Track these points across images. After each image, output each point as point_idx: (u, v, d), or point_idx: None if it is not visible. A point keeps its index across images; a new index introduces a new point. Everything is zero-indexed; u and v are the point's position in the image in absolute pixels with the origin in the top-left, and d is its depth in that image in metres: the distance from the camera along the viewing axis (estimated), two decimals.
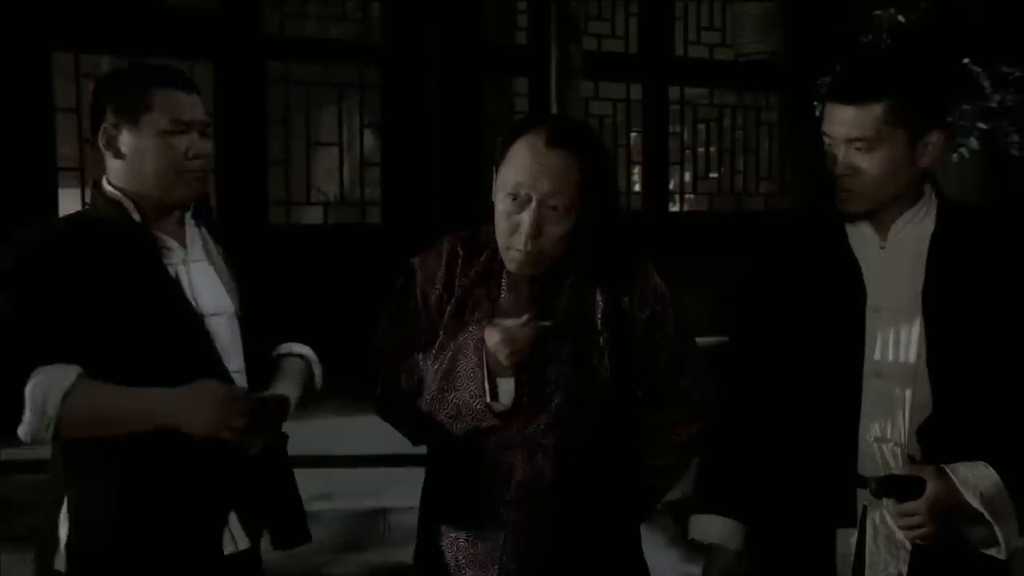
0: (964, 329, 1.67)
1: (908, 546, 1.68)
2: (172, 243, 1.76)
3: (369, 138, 7.17)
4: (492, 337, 1.66)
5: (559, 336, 1.72)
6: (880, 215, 1.74)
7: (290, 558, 1.88)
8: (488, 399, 1.67)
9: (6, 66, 5.76)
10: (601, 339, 1.75)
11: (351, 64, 6.93)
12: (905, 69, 1.72)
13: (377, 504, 4.11)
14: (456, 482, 1.78)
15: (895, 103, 1.65)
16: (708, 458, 1.88)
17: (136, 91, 1.71)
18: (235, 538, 1.74)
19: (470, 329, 1.71)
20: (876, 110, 1.65)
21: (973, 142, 5.44)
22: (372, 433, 2.59)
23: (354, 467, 4.45)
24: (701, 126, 8.28)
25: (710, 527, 1.85)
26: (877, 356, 1.71)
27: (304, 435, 2.16)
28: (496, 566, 1.73)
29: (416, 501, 1.89)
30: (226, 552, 1.73)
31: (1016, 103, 5.46)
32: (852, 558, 1.73)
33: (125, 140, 1.71)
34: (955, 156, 5.36)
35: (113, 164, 1.74)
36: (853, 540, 1.73)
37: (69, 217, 1.80)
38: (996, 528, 1.62)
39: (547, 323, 1.68)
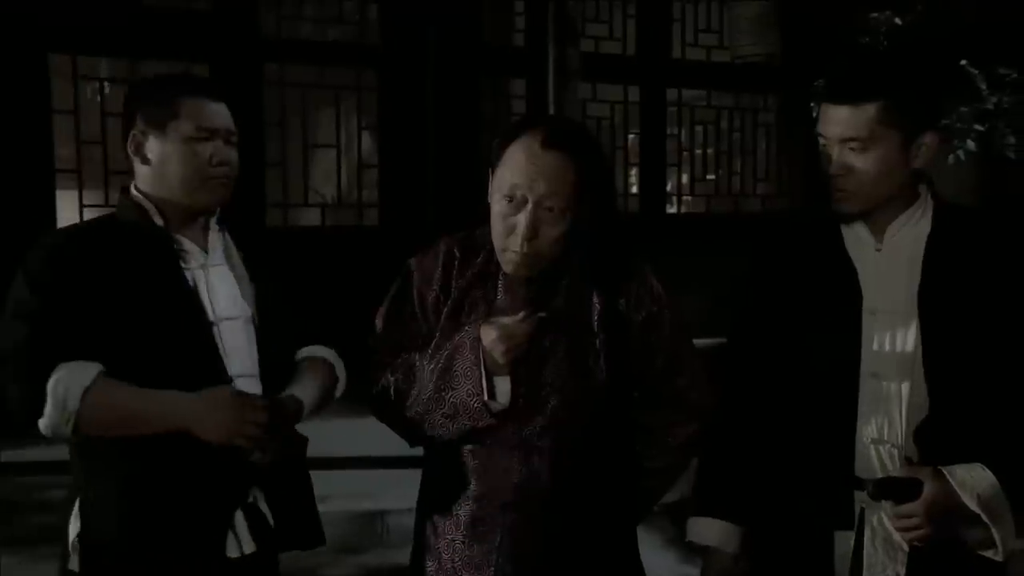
0: (960, 331, 1.67)
1: (906, 548, 1.68)
2: (192, 247, 1.79)
3: (366, 140, 7.18)
4: (488, 334, 1.66)
5: (555, 331, 1.72)
6: (875, 216, 1.74)
7: (287, 559, 1.88)
8: (485, 397, 1.67)
9: (3, 68, 5.76)
10: (597, 341, 1.74)
11: (348, 66, 6.94)
12: (899, 70, 1.72)
13: (374, 506, 4.11)
14: (452, 484, 1.78)
15: (889, 103, 1.65)
16: (706, 460, 1.88)
17: (164, 99, 1.76)
18: (240, 541, 1.74)
19: (466, 328, 1.71)
20: (870, 110, 1.65)
21: (970, 144, 5.45)
22: (369, 435, 2.58)
23: (351, 469, 4.45)
24: (698, 128, 8.30)
25: (707, 529, 1.85)
26: (873, 358, 1.71)
27: None
28: (492, 568, 1.73)
29: (413, 503, 1.89)
30: (231, 555, 1.73)
31: (1013, 105, 5.47)
32: (850, 560, 1.73)
33: (152, 146, 1.76)
34: (952, 158, 5.37)
35: (141, 170, 1.79)
36: (851, 542, 1.73)
37: (95, 220, 1.86)
38: (993, 530, 1.62)
39: (543, 314, 1.68)
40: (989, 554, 1.64)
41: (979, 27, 5.47)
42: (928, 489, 1.60)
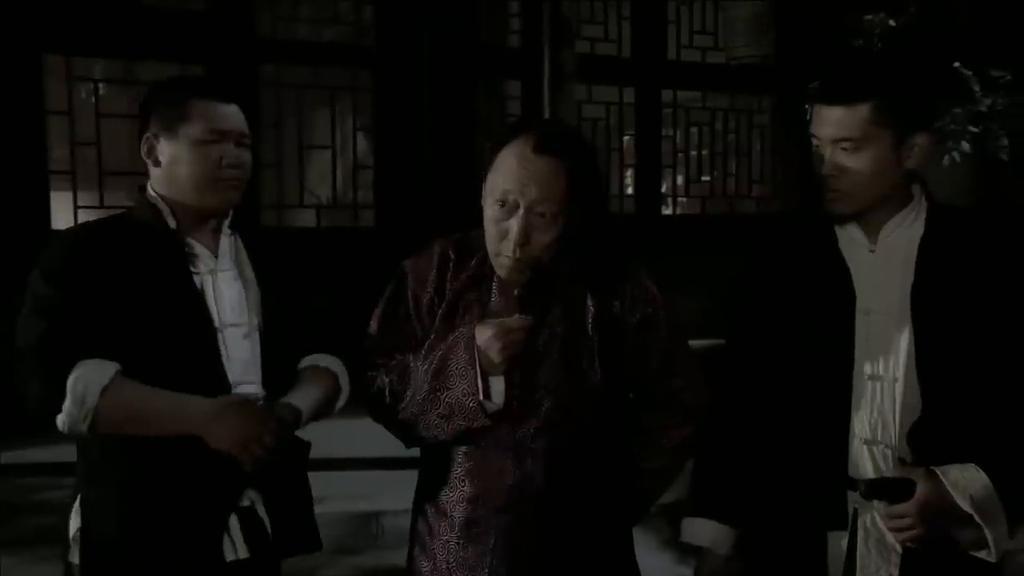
0: (953, 332, 1.67)
1: (899, 549, 1.68)
2: (203, 251, 1.80)
3: (362, 141, 7.18)
4: (483, 334, 1.66)
5: (550, 333, 1.73)
6: (868, 217, 1.75)
7: (283, 561, 1.88)
8: (480, 397, 1.67)
9: None
10: (591, 343, 1.75)
11: (344, 67, 6.94)
12: (891, 70, 1.73)
13: (370, 507, 4.11)
14: (447, 485, 1.78)
15: (881, 103, 1.66)
16: (701, 461, 1.89)
17: (175, 102, 1.77)
18: (236, 545, 1.75)
19: (460, 329, 1.72)
20: (862, 110, 1.66)
21: (964, 146, 5.46)
22: (365, 436, 2.59)
23: (348, 470, 4.45)
24: (693, 129, 8.31)
25: (701, 530, 1.85)
26: (867, 359, 1.71)
27: None
28: (486, 569, 1.73)
29: (409, 504, 1.89)
30: (227, 559, 1.74)
31: (1006, 107, 5.49)
32: (843, 561, 1.73)
33: (163, 149, 1.77)
34: (946, 160, 5.39)
35: (154, 172, 1.81)
36: (844, 543, 1.73)
37: (108, 218, 1.87)
38: (986, 531, 1.62)
39: (530, 317, 1.68)
40: (982, 555, 1.65)
41: (973, 29, 5.49)
42: (921, 489, 1.61)
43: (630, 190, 8.32)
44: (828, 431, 1.73)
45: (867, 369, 1.71)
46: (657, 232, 7.70)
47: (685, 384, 1.82)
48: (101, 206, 5.83)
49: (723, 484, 1.85)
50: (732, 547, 1.85)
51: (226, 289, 1.80)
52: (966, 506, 1.61)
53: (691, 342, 1.87)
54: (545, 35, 4.97)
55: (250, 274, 1.85)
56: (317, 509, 1.88)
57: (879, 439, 1.70)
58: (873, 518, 1.70)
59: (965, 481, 1.62)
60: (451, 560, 1.76)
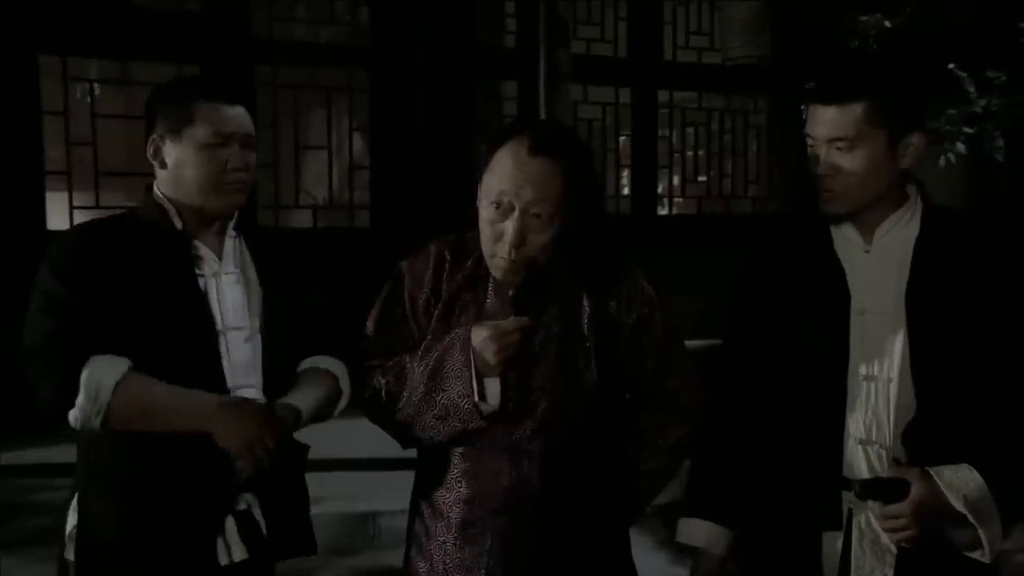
0: (948, 332, 1.68)
1: (894, 549, 1.69)
2: (208, 253, 1.80)
3: (358, 142, 7.17)
4: (479, 335, 1.66)
5: (545, 334, 1.73)
6: (864, 217, 1.75)
7: (280, 561, 1.88)
8: (476, 398, 1.67)
9: None
10: (587, 343, 1.75)
11: (340, 67, 6.92)
12: (885, 70, 1.74)
13: (367, 507, 4.11)
14: (443, 486, 1.78)
15: (875, 103, 1.67)
16: (697, 461, 1.89)
17: (180, 104, 1.77)
18: (230, 548, 1.74)
19: (456, 330, 1.72)
20: (856, 110, 1.67)
21: (959, 147, 5.47)
22: (362, 436, 2.59)
23: (344, 470, 4.44)
24: (690, 130, 8.30)
25: (696, 531, 1.86)
26: (862, 359, 1.72)
27: None
28: (483, 570, 1.73)
29: (406, 504, 1.89)
30: (222, 562, 1.74)
31: (1001, 108, 5.49)
32: (838, 561, 1.74)
33: (169, 151, 1.78)
34: (941, 160, 5.40)
35: (160, 174, 1.81)
36: (839, 543, 1.74)
37: (115, 216, 1.86)
38: (980, 531, 1.63)
39: (526, 318, 1.68)
40: (976, 555, 1.65)
41: (968, 30, 5.50)
42: (915, 490, 1.61)
43: (626, 190, 8.32)
44: (823, 431, 1.73)
45: (862, 369, 1.72)
46: (653, 232, 7.70)
47: (681, 384, 1.83)
48: (97, 206, 5.81)
49: (719, 485, 1.86)
50: (727, 547, 1.85)
51: (229, 292, 1.80)
52: (960, 506, 1.61)
53: (687, 342, 1.87)
54: (541, 35, 4.96)
55: (253, 276, 1.85)
56: (313, 509, 1.88)
57: (874, 439, 1.70)
58: (868, 518, 1.71)
59: (959, 481, 1.62)
60: (448, 561, 1.76)
